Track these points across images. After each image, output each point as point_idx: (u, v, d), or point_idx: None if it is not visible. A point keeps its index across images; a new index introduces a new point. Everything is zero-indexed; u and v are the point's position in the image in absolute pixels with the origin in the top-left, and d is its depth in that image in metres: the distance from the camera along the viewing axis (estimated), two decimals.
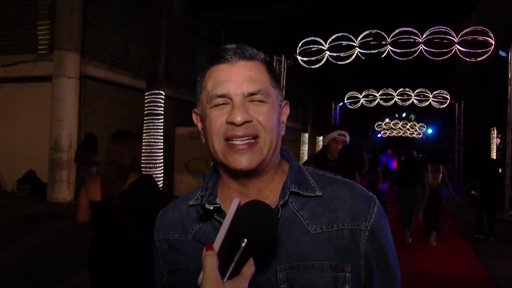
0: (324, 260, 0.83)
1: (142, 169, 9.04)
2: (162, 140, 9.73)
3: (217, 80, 0.86)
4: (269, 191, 0.90)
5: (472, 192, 7.93)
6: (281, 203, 0.86)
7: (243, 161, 0.83)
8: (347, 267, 0.83)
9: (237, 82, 0.84)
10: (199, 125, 0.94)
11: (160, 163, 9.69)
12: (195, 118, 0.97)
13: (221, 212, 0.87)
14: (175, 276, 0.91)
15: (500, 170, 9.54)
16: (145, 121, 9.68)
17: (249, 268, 0.70)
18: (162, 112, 9.71)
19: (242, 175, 0.87)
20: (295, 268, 0.83)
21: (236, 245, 0.70)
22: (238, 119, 0.82)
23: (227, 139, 0.84)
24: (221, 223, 0.83)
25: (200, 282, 0.67)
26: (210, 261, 0.67)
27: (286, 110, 0.95)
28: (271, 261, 0.83)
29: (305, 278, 0.82)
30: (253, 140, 0.84)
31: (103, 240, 2.71)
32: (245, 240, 0.70)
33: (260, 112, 0.85)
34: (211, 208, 0.87)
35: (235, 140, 0.84)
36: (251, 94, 0.85)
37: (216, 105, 0.86)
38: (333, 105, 22.61)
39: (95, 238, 2.76)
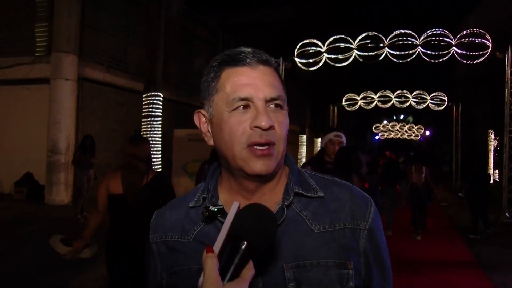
0: (328, 258, 0.85)
1: None
2: (160, 142, 9.73)
3: (238, 83, 0.85)
4: (272, 194, 0.91)
5: (459, 194, 8.11)
6: (286, 203, 0.88)
7: (262, 166, 0.84)
8: (349, 265, 0.86)
9: (259, 86, 0.85)
10: (204, 126, 0.93)
11: (158, 165, 9.69)
12: (198, 119, 0.94)
13: (224, 214, 0.88)
14: (177, 278, 0.91)
15: (497, 171, 9.69)
16: (143, 123, 9.68)
17: (249, 271, 0.70)
18: (160, 114, 9.72)
19: (255, 180, 0.88)
20: (301, 266, 0.84)
21: (236, 248, 0.71)
22: (264, 124, 0.82)
23: (250, 145, 0.84)
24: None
25: (200, 284, 0.68)
26: (211, 263, 0.68)
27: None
28: (277, 261, 0.84)
29: (312, 276, 0.84)
30: (271, 147, 0.85)
31: (120, 230, 3.02)
32: (245, 243, 0.71)
33: (278, 120, 0.86)
34: (215, 209, 0.88)
35: (257, 147, 0.84)
36: (272, 99, 0.86)
37: (236, 109, 0.85)
38: (331, 107, 22.66)
39: (112, 228, 3.07)
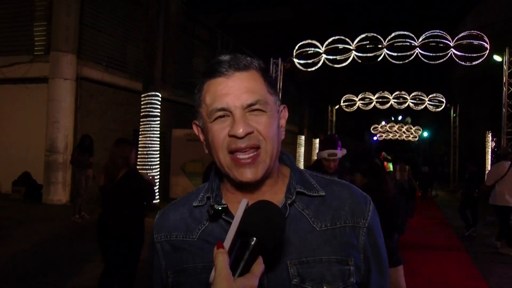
0: (330, 255, 0.88)
1: (139, 171, 9.04)
2: (158, 142, 9.73)
3: (215, 94, 0.88)
4: (273, 193, 0.93)
5: (476, 195, 8.38)
6: (289, 202, 0.90)
7: (248, 174, 0.87)
8: (350, 261, 0.89)
9: (236, 95, 0.86)
10: (201, 136, 0.96)
11: (156, 165, 9.69)
12: (196, 130, 0.98)
13: (228, 212, 0.90)
14: (183, 276, 0.93)
15: None
16: (141, 123, 9.68)
17: (259, 266, 0.72)
18: (159, 114, 9.72)
19: (247, 186, 0.90)
20: (304, 263, 0.87)
21: (246, 244, 0.72)
22: (240, 131, 0.84)
23: (231, 152, 0.86)
24: (228, 223, 0.87)
25: (212, 279, 0.69)
26: (222, 258, 0.69)
27: (285, 114, 0.98)
28: (281, 257, 0.87)
29: (315, 272, 0.86)
30: (255, 152, 0.86)
31: (103, 214, 3.84)
32: (254, 239, 0.72)
33: (260, 123, 0.87)
34: (220, 208, 0.90)
35: (239, 154, 0.86)
36: (250, 105, 0.87)
37: (217, 119, 0.87)
38: (329, 108, 22.68)
39: (100, 213, 3.90)
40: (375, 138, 39.80)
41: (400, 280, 3.38)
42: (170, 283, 0.96)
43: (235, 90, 0.86)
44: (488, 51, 11.11)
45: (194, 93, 0.94)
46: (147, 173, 8.88)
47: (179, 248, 0.95)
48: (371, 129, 35.66)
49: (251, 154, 0.86)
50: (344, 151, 3.72)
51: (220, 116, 0.87)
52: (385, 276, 0.97)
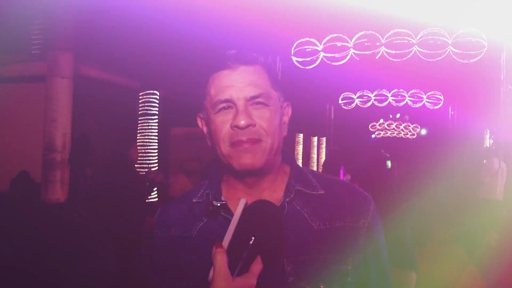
0: (328, 254, 0.88)
1: (140, 169, 9.04)
2: (156, 141, 9.73)
3: (220, 86, 0.89)
4: (273, 190, 0.94)
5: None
6: (287, 199, 0.91)
7: (247, 160, 0.87)
8: (348, 261, 0.89)
9: (239, 87, 0.88)
10: (204, 129, 0.98)
11: (155, 163, 9.68)
12: (200, 123, 1.00)
13: (227, 209, 0.91)
14: (180, 271, 0.93)
15: None
16: (139, 121, 9.67)
17: (257, 265, 0.73)
18: (157, 113, 9.71)
19: (247, 175, 0.91)
20: (301, 262, 0.87)
21: (244, 244, 0.73)
22: (242, 123, 0.85)
23: (233, 144, 0.88)
24: (227, 220, 0.88)
25: (210, 279, 0.70)
26: (220, 258, 0.70)
27: (288, 111, 0.99)
28: (278, 255, 0.86)
29: (311, 271, 0.86)
30: (256, 144, 0.88)
31: (108, 210, 4.23)
32: (253, 238, 0.73)
33: (263, 117, 0.88)
34: (219, 204, 0.91)
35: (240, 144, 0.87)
36: (253, 97, 0.88)
37: (220, 110, 0.89)
38: (327, 106, 22.66)
39: (106, 210, 4.37)
40: (373, 136, 39.82)
41: None
42: (168, 278, 0.96)
43: (239, 83, 0.88)
44: (485, 48, 11.12)
45: (200, 87, 0.95)
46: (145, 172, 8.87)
47: (177, 243, 0.95)
48: (370, 127, 35.69)
49: (249, 144, 0.87)
50: (348, 177, 3.64)
51: (224, 108, 0.88)
52: (386, 277, 0.96)
